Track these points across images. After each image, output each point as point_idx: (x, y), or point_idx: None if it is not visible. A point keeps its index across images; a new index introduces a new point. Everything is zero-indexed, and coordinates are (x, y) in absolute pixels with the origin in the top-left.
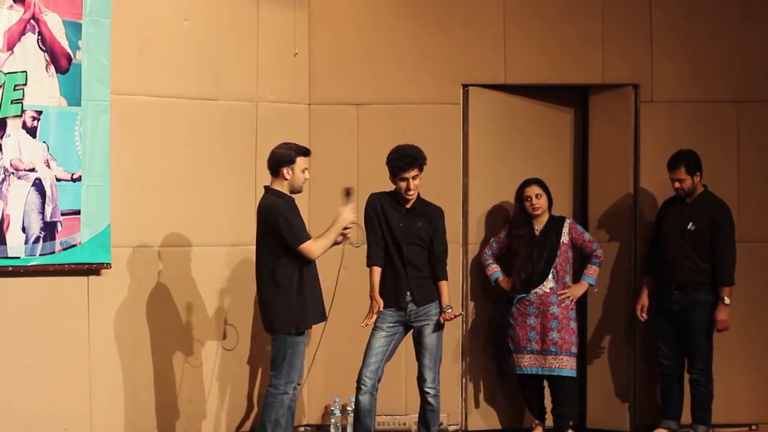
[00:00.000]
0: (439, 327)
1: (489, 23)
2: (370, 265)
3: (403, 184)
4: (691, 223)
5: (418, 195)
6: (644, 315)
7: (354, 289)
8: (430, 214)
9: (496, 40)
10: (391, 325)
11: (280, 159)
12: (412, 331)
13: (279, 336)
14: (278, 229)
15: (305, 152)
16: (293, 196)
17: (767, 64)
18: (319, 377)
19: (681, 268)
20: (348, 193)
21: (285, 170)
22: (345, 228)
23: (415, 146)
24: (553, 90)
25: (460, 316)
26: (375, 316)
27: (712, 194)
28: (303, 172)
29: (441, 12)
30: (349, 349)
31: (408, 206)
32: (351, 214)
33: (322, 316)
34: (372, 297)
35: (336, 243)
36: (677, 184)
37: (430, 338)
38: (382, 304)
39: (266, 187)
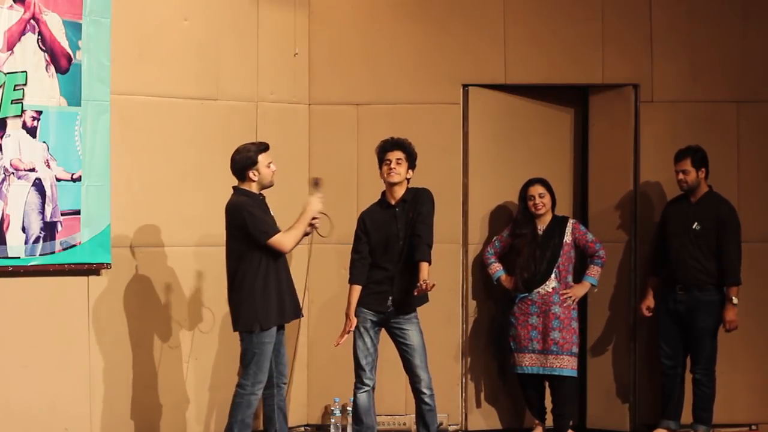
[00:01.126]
0: (417, 322)
1: (489, 23)
2: (351, 282)
3: (385, 168)
4: (696, 223)
5: (407, 188)
6: (650, 313)
7: None
8: (416, 200)
9: (496, 40)
10: (373, 323)
11: (243, 164)
12: (392, 333)
13: (245, 335)
14: (244, 224)
15: (265, 148)
16: (264, 192)
17: (767, 64)
18: (319, 377)
19: (686, 267)
20: (316, 183)
21: (251, 173)
22: (313, 218)
23: (404, 139)
24: (553, 90)
25: (434, 287)
26: (347, 336)
27: (717, 194)
28: (268, 167)
29: (441, 12)
30: (350, 349)
31: (396, 200)
32: (318, 204)
33: (291, 315)
34: (347, 315)
35: (305, 234)
36: (681, 176)
37: (415, 338)
38: (354, 324)
39: (234, 188)
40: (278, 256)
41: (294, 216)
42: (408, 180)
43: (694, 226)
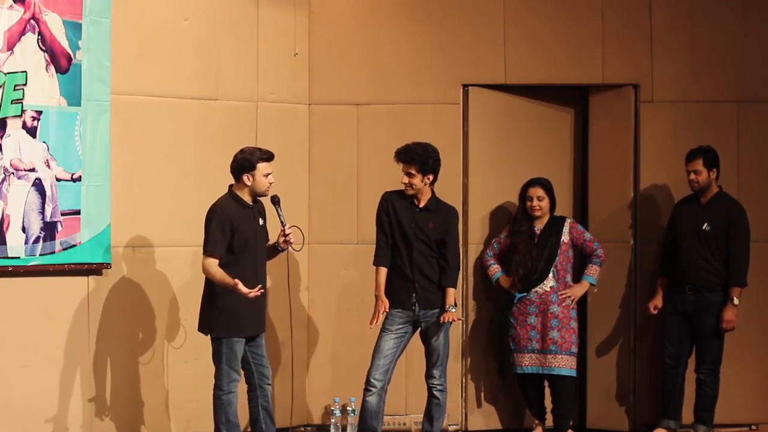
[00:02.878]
0: (446, 326)
1: (489, 23)
2: (376, 264)
3: (402, 177)
4: (706, 224)
5: (433, 194)
6: (656, 312)
7: (355, 290)
8: (442, 215)
9: (496, 40)
10: (400, 326)
11: (240, 165)
12: (419, 329)
13: (213, 337)
14: (205, 227)
15: (268, 158)
16: (260, 199)
17: (767, 64)
18: (320, 377)
19: (696, 268)
20: (274, 201)
21: (245, 177)
22: (286, 234)
23: (423, 146)
24: (553, 90)
25: (459, 321)
26: (381, 316)
27: (728, 195)
28: (265, 177)
29: (441, 12)
30: (350, 349)
31: (421, 205)
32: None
33: (250, 331)
34: (377, 297)
35: (280, 250)
36: (693, 176)
37: (437, 339)
38: (387, 305)
39: (229, 187)
40: (241, 270)
41: (293, 218)
42: (429, 184)
43: (704, 227)
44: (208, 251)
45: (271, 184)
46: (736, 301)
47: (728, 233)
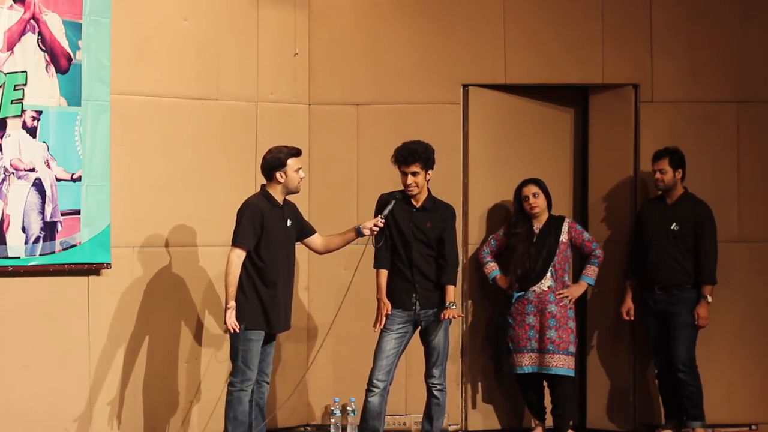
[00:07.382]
0: (445, 325)
1: (489, 23)
2: (376, 267)
3: (403, 179)
4: (674, 224)
5: (429, 193)
6: (631, 316)
7: (355, 290)
8: (439, 214)
9: (496, 40)
10: (401, 326)
11: (271, 164)
12: (419, 329)
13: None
14: (237, 220)
15: (296, 153)
16: (291, 197)
17: (767, 64)
18: (319, 377)
19: (666, 268)
20: (395, 197)
21: (278, 174)
22: (378, 225)
23: (421, 143)
24: (553, 90)
25: (460, 318)
26: (385, 318)
27: (693, 195)
28: (297, 172)
29: (441, 12)
30: (350, 349)
31: (418, 205)
32: (230, 320)
33: (277, 328)
34: (379, 299)
35: (360, 234)
36: (658, 175)
37: (437, 338)
38: (389, 307)
39: (262, 186)
40: (265, 268)
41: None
42: (428, 180)
43: (672, 227)
44: (236, 242)
45: (302, 179)
46: (709, 298)
47: (696, 233)
